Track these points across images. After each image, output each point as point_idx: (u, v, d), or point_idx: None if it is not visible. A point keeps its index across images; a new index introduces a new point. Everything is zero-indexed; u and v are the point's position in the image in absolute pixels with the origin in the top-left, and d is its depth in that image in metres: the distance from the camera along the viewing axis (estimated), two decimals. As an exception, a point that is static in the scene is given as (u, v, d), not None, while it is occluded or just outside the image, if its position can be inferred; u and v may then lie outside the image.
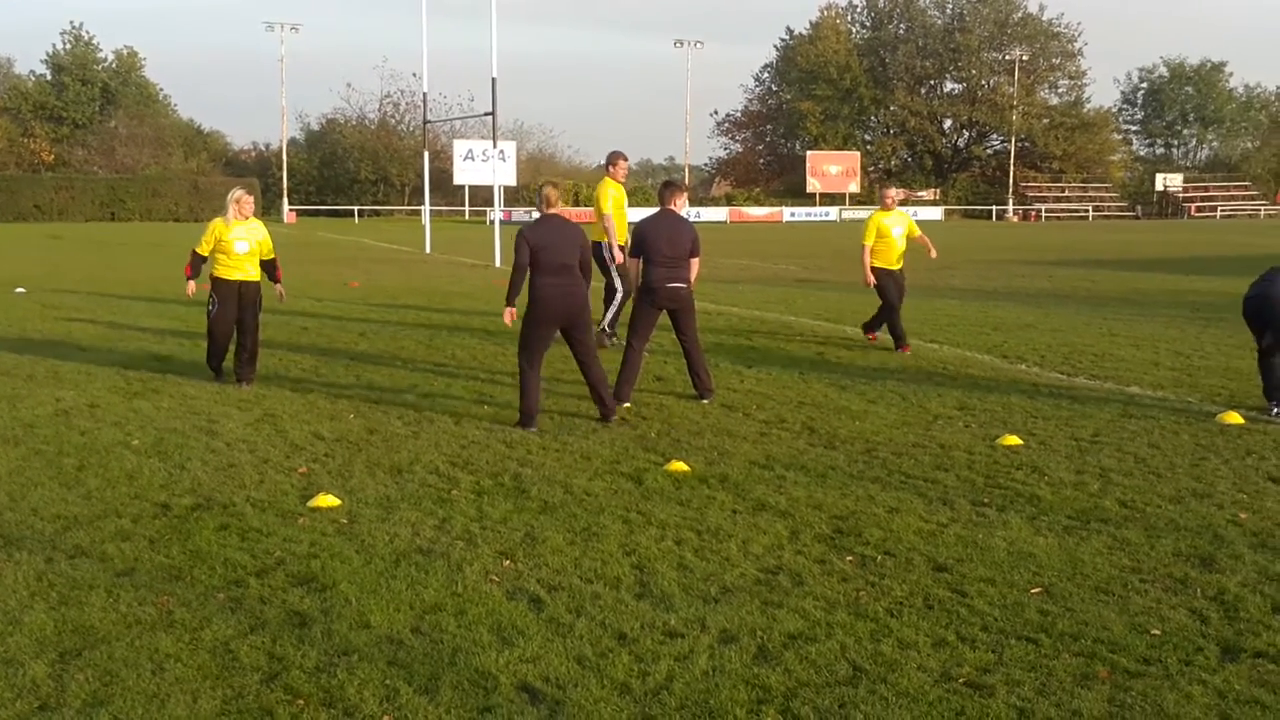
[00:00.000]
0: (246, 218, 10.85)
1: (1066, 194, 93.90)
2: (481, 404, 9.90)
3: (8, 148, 77.99)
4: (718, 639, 4.83)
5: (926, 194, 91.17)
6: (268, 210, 74.04)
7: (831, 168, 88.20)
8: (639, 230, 10.03)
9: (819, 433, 8.83)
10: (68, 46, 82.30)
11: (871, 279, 13.29)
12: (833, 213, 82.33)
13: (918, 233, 13.67)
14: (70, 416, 9.27)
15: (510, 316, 9.27)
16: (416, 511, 6.65)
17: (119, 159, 77.18)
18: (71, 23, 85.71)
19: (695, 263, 10.16)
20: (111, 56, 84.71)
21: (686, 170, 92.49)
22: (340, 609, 5.10)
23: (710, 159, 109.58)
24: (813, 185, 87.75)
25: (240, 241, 10.70)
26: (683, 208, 10.33)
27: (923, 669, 4.54)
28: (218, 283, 10.75)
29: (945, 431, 8.90)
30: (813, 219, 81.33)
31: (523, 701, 4.24)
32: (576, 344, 9.21)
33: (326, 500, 6.77)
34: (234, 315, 10.77)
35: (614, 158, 13.42)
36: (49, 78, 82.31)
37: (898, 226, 13.35)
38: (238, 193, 10.90)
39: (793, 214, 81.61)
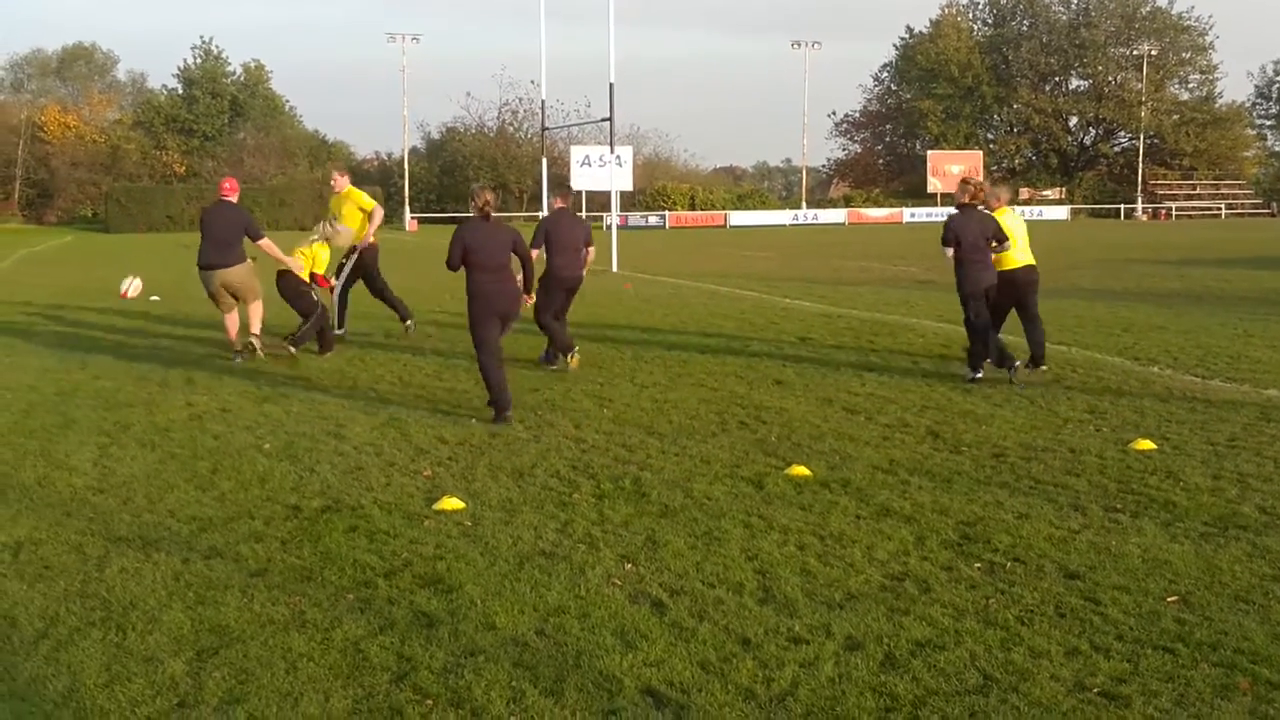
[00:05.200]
0: None
1: (1198, 191, 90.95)
2: (601, 408, 9.94)
3: (141, 160, 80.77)
4: (843, 645, 4.78)
5: (1052, 193, 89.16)
6: (390, 219, 75.46)
7: (953, 167, 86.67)
8: (545, 226, 12.15)
9: (943, 437, 8.68)
10: (198, 61, 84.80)
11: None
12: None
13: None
14: (203, 421, 9.54)
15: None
16: (538, 515, 6.70)
17: (246, 169, 79.30)
18: (202, 37, 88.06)
19: (591, 251, 12.48)
20: (240, 70, 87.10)
21: (804, 172, 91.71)
22: (466, 610, 5.16)
23: (828, 160, 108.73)
24: (934, 185, 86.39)
25: None
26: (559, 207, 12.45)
27: (1055, 678, 4.42)
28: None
29: (1075, 435, 8.68)
30: (934, 219, 79.82)
31: (647, 705, 4.24)
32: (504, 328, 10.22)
33: (451, 503, 6.87)
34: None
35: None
36: (180, 91, 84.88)
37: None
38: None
39: (913, 215, 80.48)
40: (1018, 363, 11.00)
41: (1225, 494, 6.97)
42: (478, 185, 10.27)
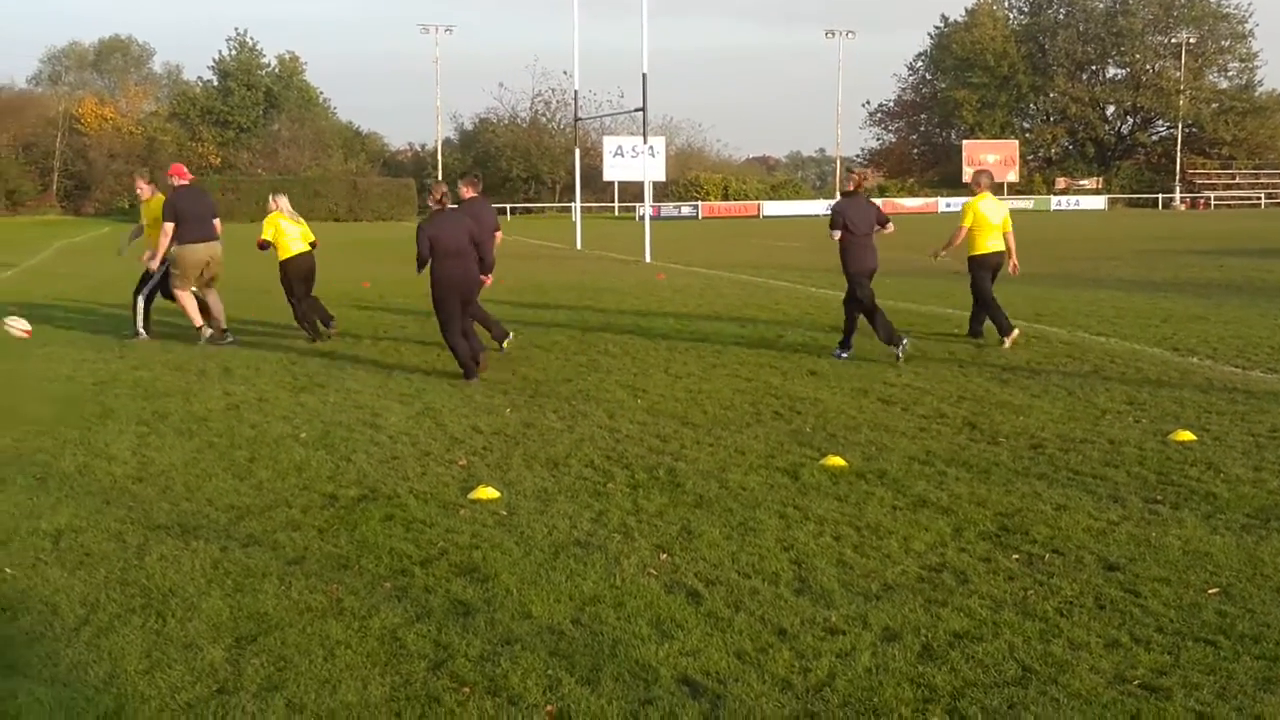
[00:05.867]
0: None
1: (1237, 181, 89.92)
2: (635, 398, 9.94)
3: (177, 152, 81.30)
4: (880, 636, 4.75)
5: (1089, 182, 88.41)
6: (423, 210, 75.72)
7: (989, 156, 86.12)
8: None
9: (980, 428, 8.62)
10: (233, 53, 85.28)
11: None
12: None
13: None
14: (241, 410, 9.61)
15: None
16: (573, 504, 6.70)
17: (281, 161, 79.84)
18: (236, 29, 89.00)
19: (499, 236, 13.10)
20: (274, 62, 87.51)
21: (838, 162, 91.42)
22: (502, 599, 5.17)
23: (862, 150, 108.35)
24: (969, 175, 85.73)
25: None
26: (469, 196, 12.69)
27: (1095, 670, 4.39)
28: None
29: (1114, 427, 8.60)
30: (969, 210, 79.54)
31: (683, 695, 4.23)
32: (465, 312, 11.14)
33: (486, 492, 6.88)
34: None
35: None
36: (215, 83, 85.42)
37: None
38: None
39: (948, 204, 79.87)
40: (905, 341, 11.90)
41: (1267, 485, 6.89)
42: (431, 181, 12.18)
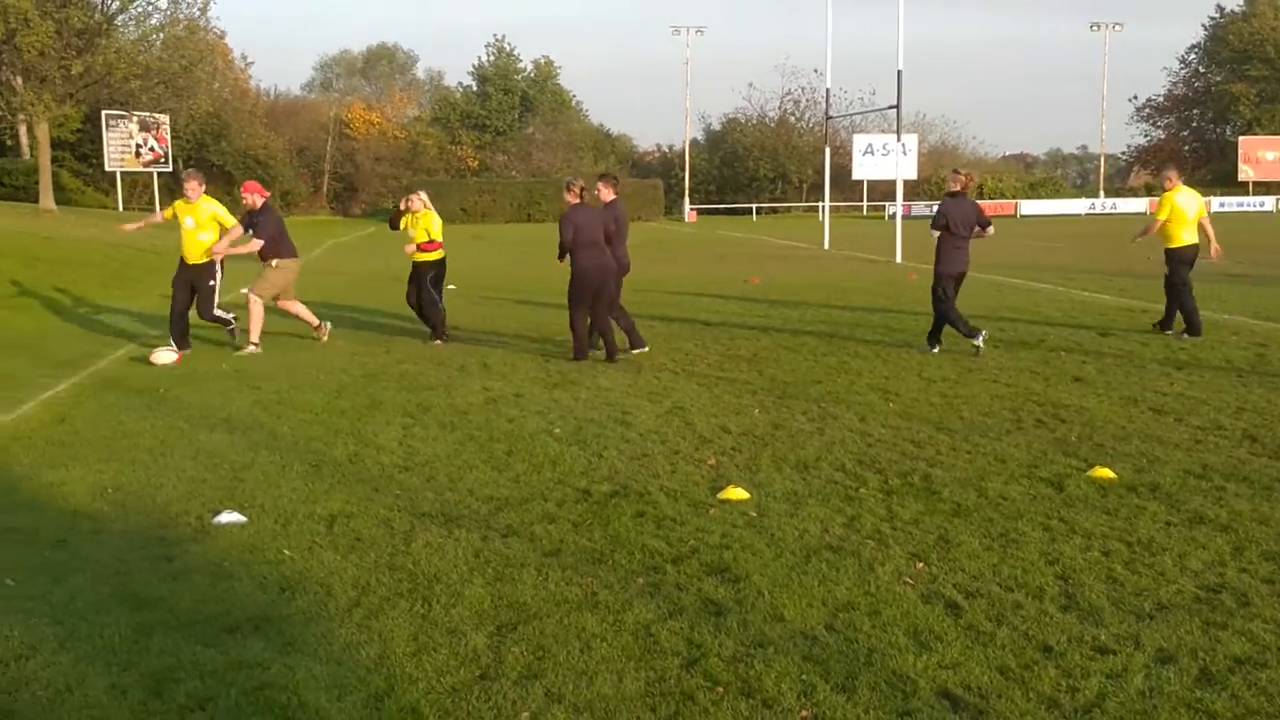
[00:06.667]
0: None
1: None
2: (886, 401, 9.75)
3: (438, 155, 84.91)
4: (1154, 658, 4.49)
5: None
6: (669, 210, 76.59)
7: (1268, 154, 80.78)
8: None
9: (1262, 441, 8.06)
10: (491, 58, 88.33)
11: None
12: (1269, 202, 75.39)
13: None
14: (498, 405, 9.91)
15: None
16: (824, 508, 6.61)
17: (534, 163, 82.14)
18: (495, 35, 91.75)
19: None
20: (530, 66, 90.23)
21: (1102, 159, 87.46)
22: (754, 601, 5.14)
23: (1128, 147, 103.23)
24: (1245, 173, 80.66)
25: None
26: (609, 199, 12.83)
27: (1403, 711, 4.02)
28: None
29: None
30: (1245, 209, 74.73)
31: (943, 709, 4.10)
32: (598, 301, 12.13)
33: (736, 493, 6.86)
34: None
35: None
36: (475, 88, 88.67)
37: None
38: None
39: (1221, 204, 75.21)
40: (983, 333, 12.37)
41: None
42: (569, 178, 12.61)
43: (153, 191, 58.84)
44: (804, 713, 4.08)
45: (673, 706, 4.14)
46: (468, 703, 4.19)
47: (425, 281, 13.97)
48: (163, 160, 57.61)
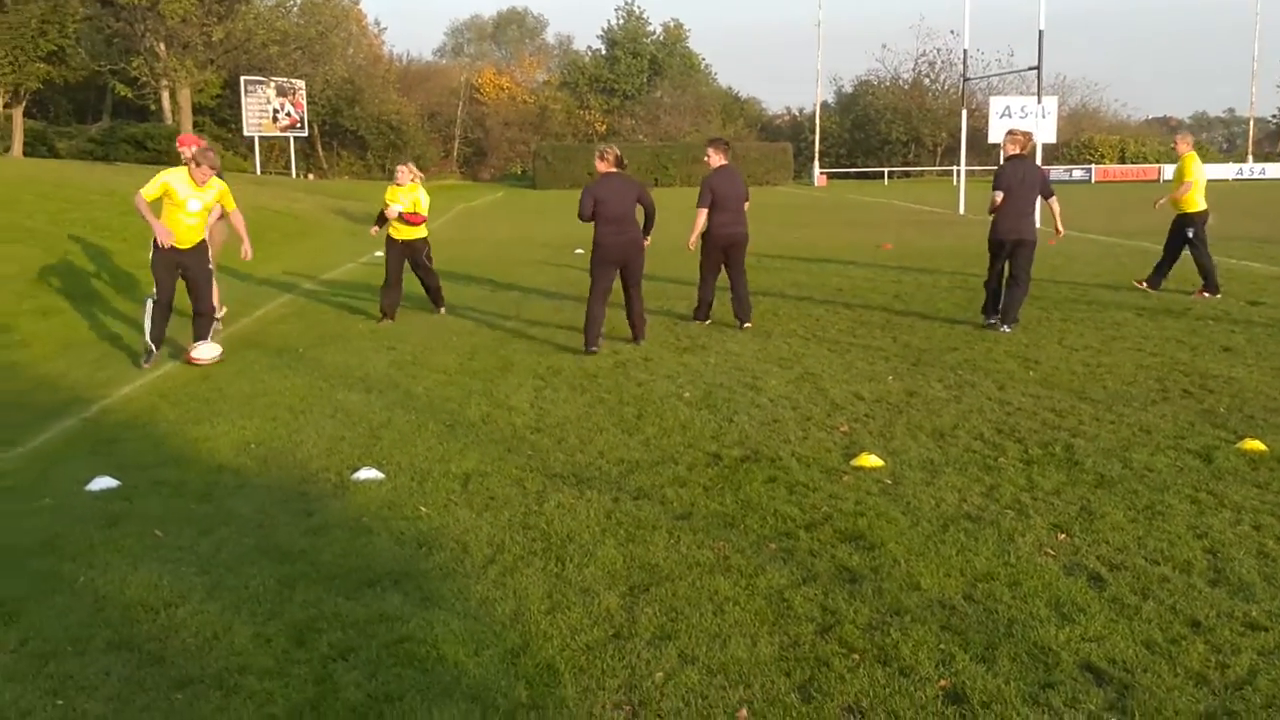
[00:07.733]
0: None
1: None
2: (1026, 370, 9.51)
3: (566, 119, 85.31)
4: (1311, 638, 4.30)
5: None
6: (799, 174, 75.80)
7: None
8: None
9: None
10: (621, 22, 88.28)
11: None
12: None
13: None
14: (627, 368, 9.92)
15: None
16: (962, 477, 6.48)
17: (662, 127, 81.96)
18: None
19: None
20: (659, 29, 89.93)
21: (1251, 123, 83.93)
22: (889, 569, 5.06)
23: (1279, 110, 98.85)
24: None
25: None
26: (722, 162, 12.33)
27: None
28: None
29: None
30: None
31: (1087, 681, 3.99)
32: (628, 278, 11.10)
33: (869, 460, 6.77)
34: None
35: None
36: (603, 52, 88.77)
37: None
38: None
39: (1377, 169, 71.90)
40: (1007, 326, 11.47)
41: None
42: (602, 146, 11.25)
43: (289, 156, 60.31)
44: (943, 682, 4.01)
45: (807, 672, 4.11)
46: (602, 661, 4.21)
47: (421, 258, 13.22)
48: (299, 125, 59.01)
